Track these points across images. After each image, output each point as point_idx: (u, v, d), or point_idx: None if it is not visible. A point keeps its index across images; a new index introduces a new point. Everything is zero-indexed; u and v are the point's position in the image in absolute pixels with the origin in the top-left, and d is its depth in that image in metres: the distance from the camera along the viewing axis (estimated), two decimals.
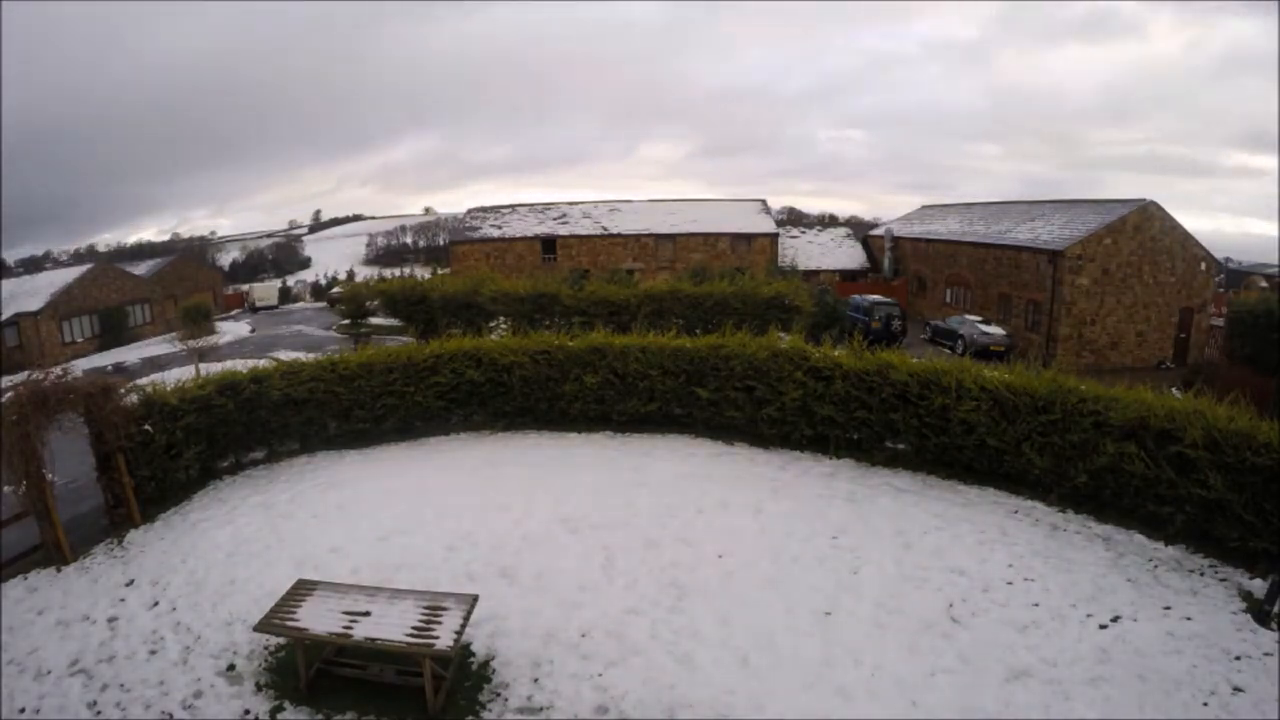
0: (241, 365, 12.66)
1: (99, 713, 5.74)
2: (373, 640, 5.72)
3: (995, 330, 24.39)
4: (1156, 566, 7.36)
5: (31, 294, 32.54)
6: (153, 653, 6.43)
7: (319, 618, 5.94)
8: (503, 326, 19.00)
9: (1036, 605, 6.68)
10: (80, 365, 20.24)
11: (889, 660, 6.02)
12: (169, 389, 10.23)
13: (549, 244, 39.26)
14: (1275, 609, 6.29)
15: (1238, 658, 5.80)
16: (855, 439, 10.97)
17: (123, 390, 9.52)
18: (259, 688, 6.02)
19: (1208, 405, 7.92)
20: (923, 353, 18.97)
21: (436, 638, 5.67)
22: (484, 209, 43.91)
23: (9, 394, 8.26)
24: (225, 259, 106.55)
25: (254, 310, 48.57)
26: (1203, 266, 24.24)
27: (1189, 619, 6.36)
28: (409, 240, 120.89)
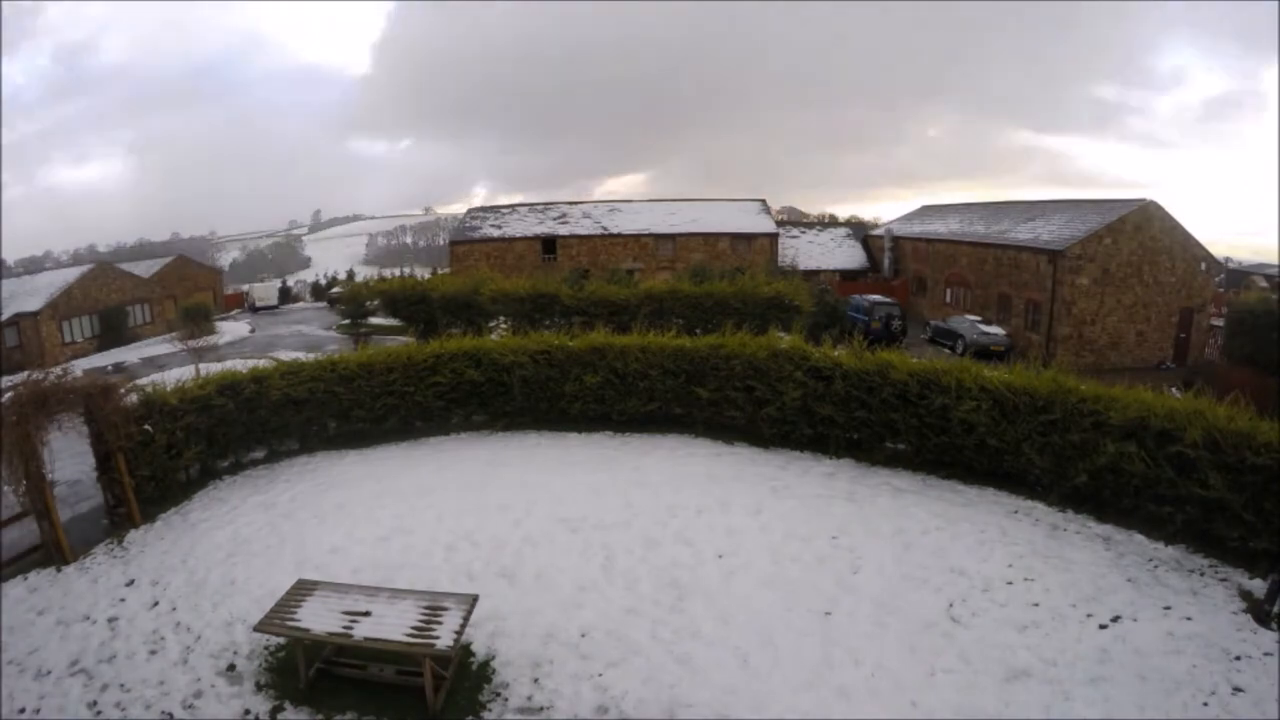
0: (241, 365, 12.66)
1: (99, 713, 5.74)
2: (373, 640, 5.72)
3: (995, 330, 24.40)
4: (1156, 566, 7.36)
5: (31, 294, 32.49)
6: (153, 653, 6.44)
7: (319, 618, 5.94)
8: (503, 326, 19.00)
9: (1036, 605, 6.68)
10: (80, 365, 20.23)
11: (889, 660, 6.02)
12: (169, 389, 10.23)
13: (549, 244, 39.26)
14: (1275, 609, 6.29)
15: (1238, 658, 5.80)
16: (855, 439, 10.96)
17: (123, 390, 9.52)
18: (259, 688, 6.02)
19: (1208, 405, 7.91)
20: (923, 353, 18.96)
21: (437, 638, 5.67)
22: (484, 209, 43.94)
23: (9, 394, 8.26)
24: (225, 259, 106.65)
25: (254, 310, 48.52)
26: (1203, 266, 24.25)
27: (1189, 619, 6.36)
28: (409, 240, 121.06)
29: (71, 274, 35.65)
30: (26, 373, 9.21)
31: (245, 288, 60.93)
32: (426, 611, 6.00)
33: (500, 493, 9.49)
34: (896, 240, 38.07)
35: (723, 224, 40.09)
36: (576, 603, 6.97)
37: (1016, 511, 8.81)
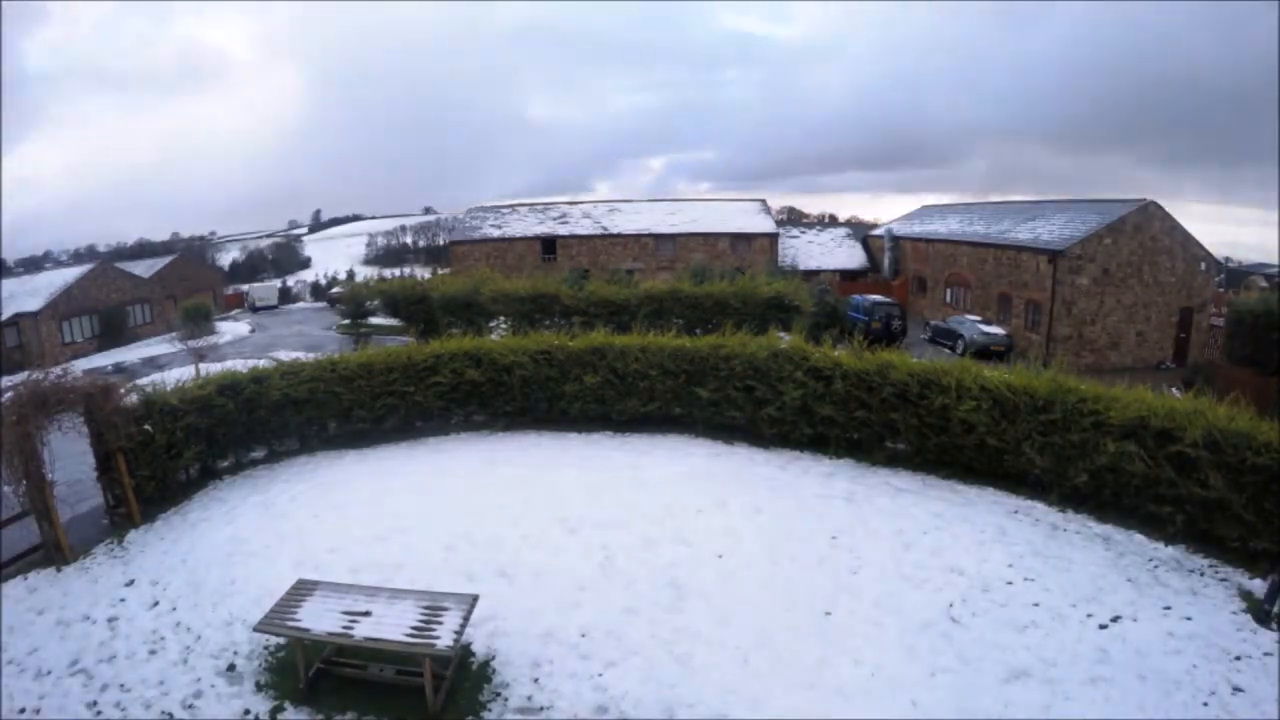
0: (241, 365, 12.67)
1: (99, 713, 5.74)
2: (373, 640, 5.72)
3: (995, 330, 24.39)
4: (1156, 566, 7.36)
5: (31, 294, 32.52)
6: (153, 653, 6.44)
7: (319, 618, 5.94)
8: (503, 326, 18.99)
9: (1036, 605, 6.68)
10: (80, 365, 20.24)
11: (888, 660, 6.02)
12: (169, 389, 10.24)
13: (549, 244, 39.28)
14: (1275, 609, 6.29)
15: (1238, 658, 5.80)
16: (855, 439, 10.96)
17: (123, 390, 9.52)
18: (259, 688, 6.02)
19: (1208, 405, 7.92)
20: (923, 353, 18.97)
21: (437, 638, 5.68)
22: (484, 209, 43.96)
23: (9, 394, 8.26)
24: (225, 259, 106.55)
25: (254, 310, 48.58)
26: (1203, 266, 24.25)
27: (1189, 619, 6.36)
28: (409, 240, 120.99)
29: (71, 274, 35.69)
30: (26, 373, 9.21)
31: (245, 288, 61.01)
32: (426, 611, 6.00)
33: (500, 492, 9.49)
34: (896, 240, 38.06)
35: (723, 224, 40.12)
36: (575, 602, 6.97)
37: (1016, 511, 8.81)
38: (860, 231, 47.22)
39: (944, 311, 30.62)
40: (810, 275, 34.35)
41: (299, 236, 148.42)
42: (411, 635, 5.72)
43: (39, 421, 8.18)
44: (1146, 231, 23.48)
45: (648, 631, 6.51)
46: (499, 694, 5.89)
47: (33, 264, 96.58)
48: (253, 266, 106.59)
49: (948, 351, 23.96)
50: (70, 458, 9.30)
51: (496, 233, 39.91)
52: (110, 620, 6.98)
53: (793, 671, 5.92)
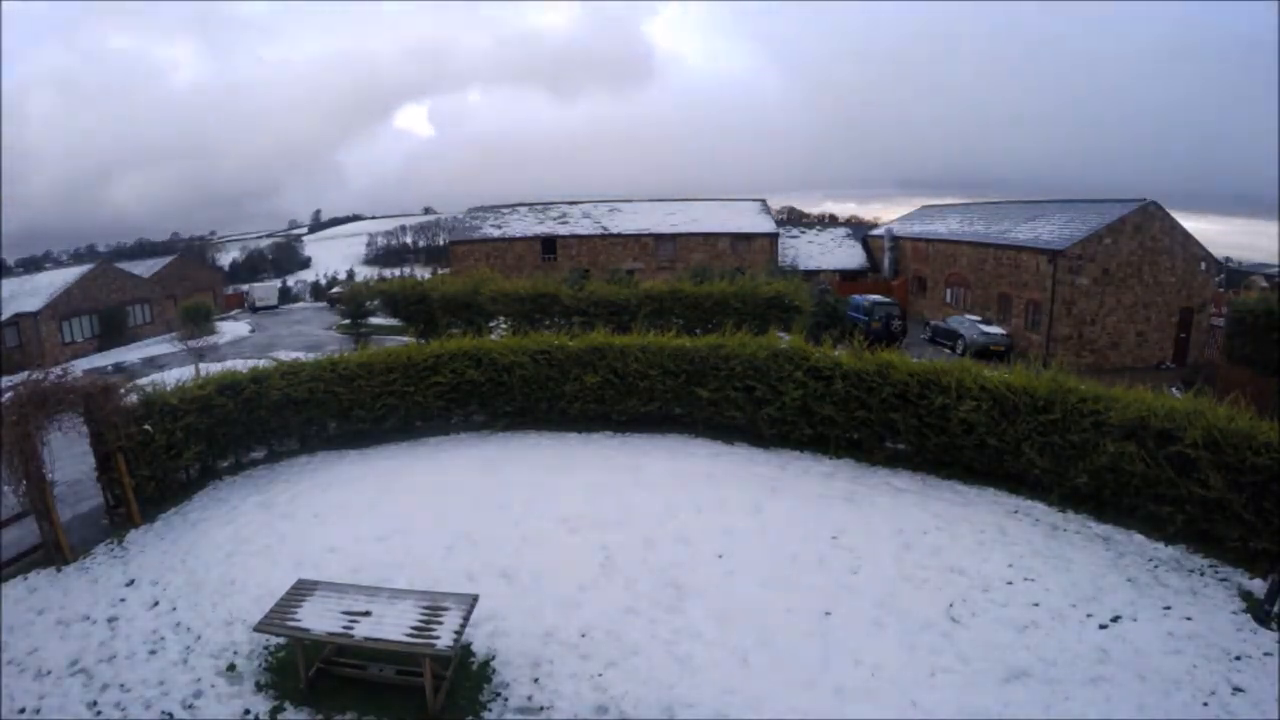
0: (241, 365, 12.66)
1: (99, 713, 5.74)
2: (373, 640, 5.72)
3: (995, 330, 24.39)
4: (1156, 566, 7.36)
5: (31, 294, 32.51)
6: (153, 653, 6.44)
7: (319, 618, 5.94)
8: (503, 326, 18.99)
9: (1036, 605, 6.68)
10: (80, 365, 20.24)
11: (888, 660, 6.02)
12: (169, 389, 10.23)
13: (549, 244, 39.27)
14: (1275, 609, 6.29)
15: (1238, 658, 5.80)
16: (855, 439, 10.96)
17: (123, 390, 9.53)
18: (259, 687, 6.02)
19: (1208, 405, 7.92)
20: (923, 353, 18.98)
21: (437, 638, 5.68)
22: (484, 209, 43.93)
23: (9, 394, 8.26)
24: (225, 259, 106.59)
25: (254, 310, 48.57)
26: (1203, 266, 24.25)
27: (1189, 619, 6.36)
28: (409, 240, 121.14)
29: (71, 274, 35.66)
30: (26, 373, 9.21)
31: (245, 288, 61.02)
32: (426, 611, 6.00)
33: (500, 492, 9.49)
34: (896, 240, 38.06)
35: (723, 224, 40.11)
36: (576, 602, 6.97)
37: (1016, 511, 8.81)
38: (860, 231, 47.20)
39: (944, 311, 30.62)
40: (810, 275, 34.32)
41: (299, 236, 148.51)
42: (411, 635, 5.72)
43: (39, 421, 8.18)
44: (1146, 231, 23.47)
45: (648, 631, 6.51)
46: (499, 694, 5.89)
47: (33, 264, 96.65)
48: (253, 266, 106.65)
49: (948, 351, 23.97)
50: (70, 458, 9.31)
51: (496, 233, 39.90)
52: (110, 620, 6.98)
53: (793, 671, 5.92)
